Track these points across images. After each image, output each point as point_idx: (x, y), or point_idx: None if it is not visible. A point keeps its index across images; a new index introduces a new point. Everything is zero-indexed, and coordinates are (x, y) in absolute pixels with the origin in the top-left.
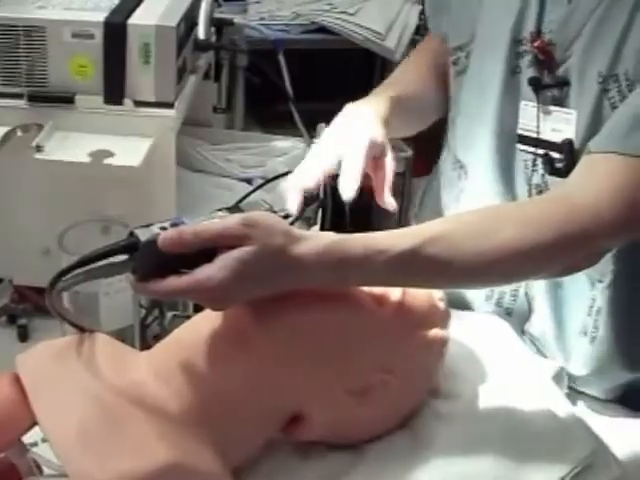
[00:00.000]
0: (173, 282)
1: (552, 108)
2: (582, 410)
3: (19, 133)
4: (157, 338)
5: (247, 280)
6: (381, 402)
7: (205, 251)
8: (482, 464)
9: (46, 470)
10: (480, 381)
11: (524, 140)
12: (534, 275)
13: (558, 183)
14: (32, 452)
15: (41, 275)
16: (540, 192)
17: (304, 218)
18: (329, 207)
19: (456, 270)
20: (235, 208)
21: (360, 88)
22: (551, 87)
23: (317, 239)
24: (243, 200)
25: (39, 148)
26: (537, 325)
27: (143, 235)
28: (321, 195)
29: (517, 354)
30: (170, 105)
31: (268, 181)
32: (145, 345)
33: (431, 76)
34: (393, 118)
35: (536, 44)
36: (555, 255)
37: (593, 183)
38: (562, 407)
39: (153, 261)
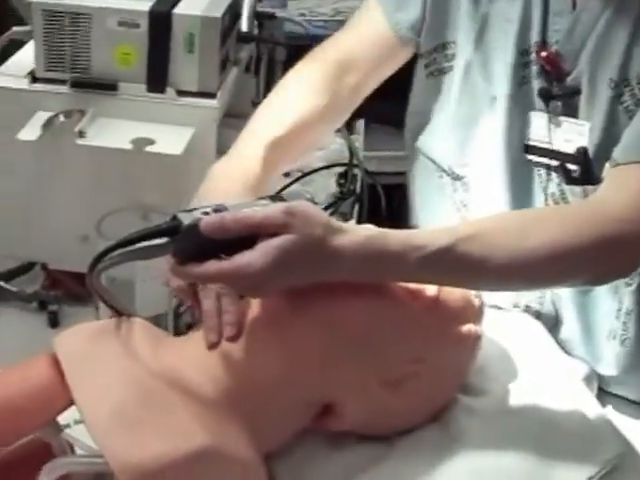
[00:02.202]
0: (212, 266)
1: (563, 119)
2: (611, 412)
3: (61, 119)
4: (190, 327)
5: (286, 268)
6: (413, 395)
7: (245, 238)
8: (510, 460)
9: (78, 451)
10: (511, 379)
11: (535, 151)
12: (566, 280)
13: (577, 192)
14: (65, 433)
15: (77, 261)
16: (557, 202)
17: (340, 213)
18: (365, 202)
19: (491, 269)
20: (277, 197)
21: (397, 84)
22: (561, 97)
23: (356, 232)
24: (283, 190)
25: (81, 134)
26: (565, 330)
27: (185, 219)
28: (357, 190)
29: (548, 353)
30: (212, 95)
31: (306, 174)
32: (178, 334)
33: (326, 91)
34: (270, 168)
35: (543, 55)
36: (589, 261)
37: (626, 193)
38: (591, 408)
39: (194, 245)
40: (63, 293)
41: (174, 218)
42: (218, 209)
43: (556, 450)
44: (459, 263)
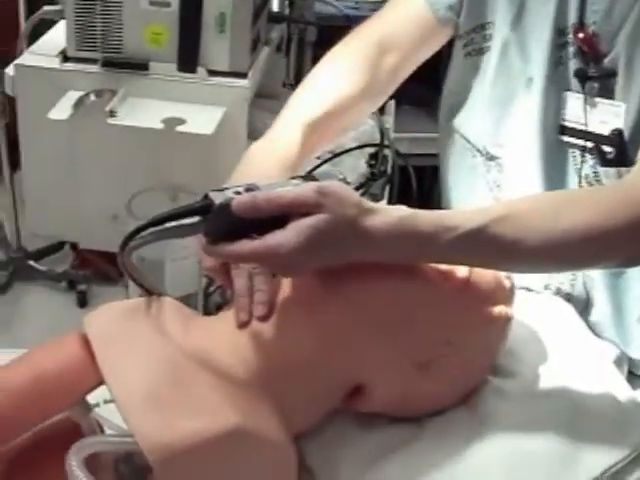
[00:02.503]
0: (245, 245)
1: (598, 100)
2: None
3: (92, 98)
4: (219, 307)
5: (318, 248)
6: (444, 376)
7: (277, 218)
8: (540, 443)
9: (107, 430)
10: (541, 361)
11: (570, 132)
12: (599, 262)
13: (611, 174)
14: (95, 413)
15: (107, 240)
16: (591, 184)
17: (371, 194)
18: (396, 183)
19: (523, 251)
20: (309, 177)
21: (428, 66)
22: (597, 79)
23: (388, 212)
24: (314, 170)
25: (112, 113)
26: (595, 312)
27: (217, 198)
28: (388, 171)
29: (578, 336)
30: (244, 75)
31: (337, 155)
32: (207, 314)
33: (366, 72)
34: (307, 150)
35: (580, 36)
36: (622, 242)
37: None
38: (622, 391)
39: (225, 224)
40: (92, 273)
41: (206, 197)
42: (250, 188)
43: (586, 433)
44: (491, 244)
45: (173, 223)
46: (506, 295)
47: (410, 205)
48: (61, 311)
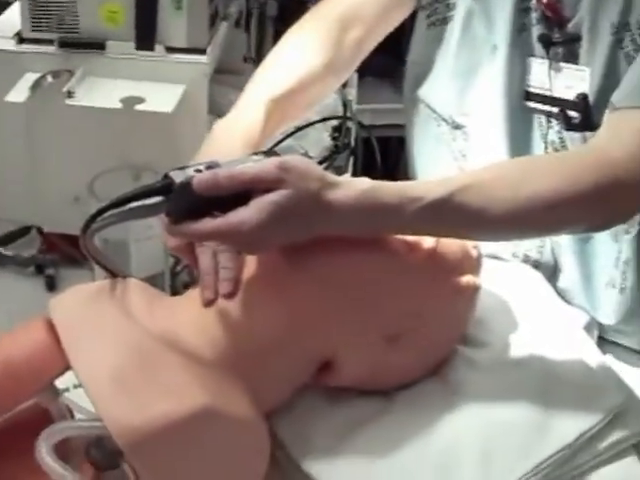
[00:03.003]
0: (207, 224)
1: (563, 65)
2: (611, 360)
3: (50, 79)
4: (187, 286)
5: (282, 224)
6: (412, 348)
7: (240, 195)
8: (513, 412)
9: (77, 415)
10: (511, 329)
11: (535, 98)
12: (565, 228)
13: (576, 139)
14: (64, 397)
15: (71, 223)
16: (557, 149)
17: (335, 167)
18: (360, 156)
19: (489, 219)
20: (271, 152)
21: (390, 37)
22: (562, 44)
23: (352, 185)
24: (277, 145)
25: (70, 94)
26: (564, 279)
27: (178, 177)
28: (352, 143)
29: (548, 303)
30: (202, 51)
31: (300, 128)
32: (175, 293)
33: (329, 46)
34: (271, 127)
35: (543, 1)
36: (588, 207)
37: (624, 139)
38: (593, 357)
39: (187, 203)
40: (60, 257)
41: (166, 177)
42: (211, 166)
43: (558, 400)
44: (456, 214)
45: (134, 204)
46: (473, 264)
47: (374, 177)
48: (30, 296)
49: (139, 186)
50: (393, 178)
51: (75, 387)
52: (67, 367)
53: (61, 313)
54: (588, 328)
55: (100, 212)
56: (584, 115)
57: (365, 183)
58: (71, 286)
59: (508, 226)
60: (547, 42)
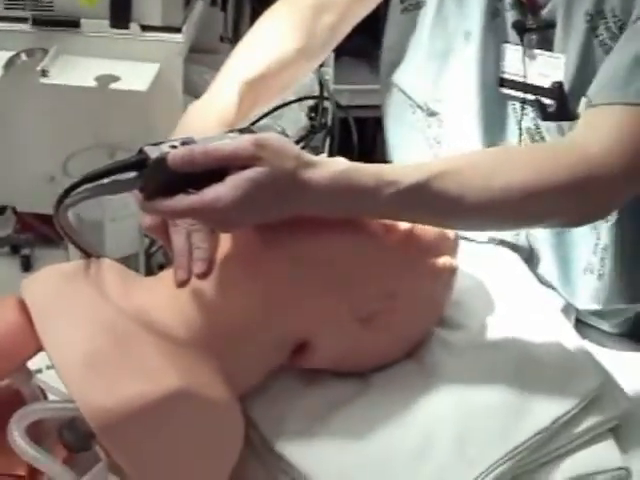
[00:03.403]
0: (181, 200)
1: (537, 52)
2: (588, 344)
3: (23, 57)
4: (162, 267)
5: (257, 201)
6: (388, 329)
7: (214, 172)
8: (489, 394)
9: (50, 396)
10: (488, 312)
11: (509, 84)
12: (538, 222)
13: (552, 127)
14: (37, 378)
15: (45, 202)
16: (532, 137)
17: (311, 147)
18: (337, 136)
19: (465, 207)
20: (247, 130)
21: (368, 17)
22: (536, 30)
23: (328, 165)
24: (253, 124)
25: (44, 73)
26: (541, 265)
27: (152, 152)
28: (329, 124)
29: (525, 285)
30: (177, 30)
31: (276, 108)
32: (150, 274)
33: (304, 30)
34: (245, 109)
35: None
36: (566, 200)
37: (601, 134)
38: (570, 340)
39: (162, 179)
40: (35, 236)
41: (140, 152)
42: (186, 142)
43: (536, 383)
44: (431, 200)
45: (108, 179)
46: (450, 246)
47: (351, 158)
48: (5, 276)
49: (113, 161)
50: (370, 159)
51: (48, 368)
52: (39, 348)
53: (33, 293)
54: (566, 311)
55: (74, 187)
56: (559, 103)
57: (342, 164)
58: (47, 266)
59: (482, 215)
60: (521, 28)
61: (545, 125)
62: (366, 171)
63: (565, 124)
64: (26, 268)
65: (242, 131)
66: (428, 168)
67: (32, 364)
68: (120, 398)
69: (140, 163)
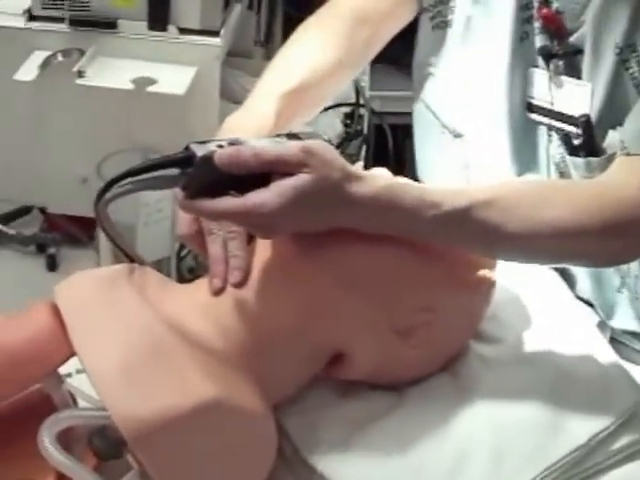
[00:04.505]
0: (225, 202)
1: (565, 79)
2: (623, 362)
3: (60, 58)
4: (192, 271)
5: (301, 210)
6: (425, 343)
7: (257, 177)
8: (525, 409)
9: (81, 402)
10: (524, 326)
11: (536, 110)
12: (577, 259)
13: (579, 164)
14: (67, 383)
15: (77, 204)
16: (558, 166)
17: (347, 154)
18: (372, 143)
19: (504, 238)
20: (294, 136)
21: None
22: (562, 56)
23: (372, 181)
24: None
25: (80, 73)
26: (577, 283)
27: (199, 150)
28: (365, 131)
29: (562, 300)
30: (216, 33)
31: None
32: (180, 277)
33: (340, 44)
34: (283, 122)
35: (544, 12)
36: (596, 242)
37: (636, 182)
38: (607, 357)
39: (206, 178)
40: (62, 236)
41: (187, 149)
42: (233, 143)
43: (571, 400)
44: (473, 227)
45: (151, 174)
46: (489, 260)
47: (386, 165)
48: (30, 275)
49: (159, 156)
50: (405, 166)
51: (78, 372)
52: (71, 354)
53: (67, 298)
54: (601, 328)
55: (115, 181)
56: (586, 137)
57: (385, 179)
58: (73, 266)
59: (521, 248)
60: (547, 54)
61: (572, 161)
62: (410, 189)
63: (594, 161)
64: (51, 268)
65: (289, 136)
66: (472, 195)
67: (62, 368)
68: (155, 407)
69: (186, 160)
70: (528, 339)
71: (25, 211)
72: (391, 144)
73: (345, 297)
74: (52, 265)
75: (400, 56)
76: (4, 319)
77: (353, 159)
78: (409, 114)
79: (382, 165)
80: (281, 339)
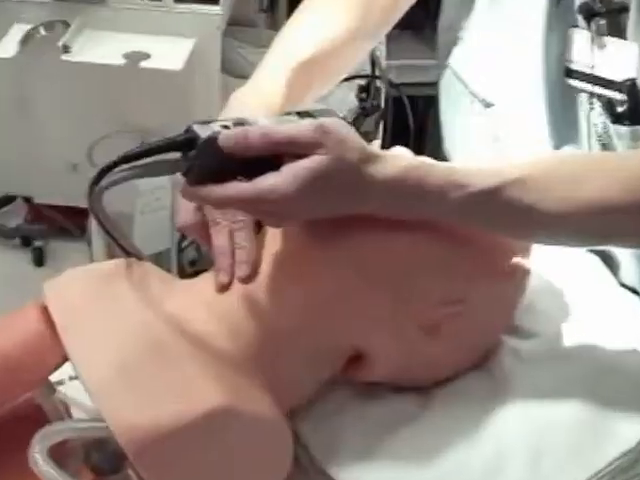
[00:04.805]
0: (232, 188)
1: (608, 39)
2: None
3: (42, 32)
4: (194, 264)
5: (316, 195)
6: (455, 338)
7: (266, 159)
8: (565, 411)
9: (74, 411)
10: (563, 317)
11: (575, 75)
12: (620, 239)
13: (624, 133)
14: (60, 392)
15: (66, 193)
16: (600, 136)
17: (363, 132)
18: (390, 119)
19: (539, 218)
20: (306, 113)
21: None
22: (605, 15)
23: (394, 162)
24: None
25: (66, 49)
26: (621, 269)
27: (203, 132)
28: (382, 106)
29: (604, 289)
30: (215, 1)
31: None
32: (181, 271)
33: (356, 10)
34: (297, 94)
35: None
36: None
37: None
38: None
39: (210, 163)
40: (49, 227)
41: (188, 130)
42: (239, 123)
43: (618, 400)
44: (505, 208)
45: (149, 159)
46: (523, 245)
47: (405, 141)
48: (16, 271)
49: (157, 139)
50: (423, 144)
51: (71, 379)
52: (64, 359)
53: (58, 298)
54: None
55: (110, 167)
56: (632, 104)
57: (406, 159)
58: (62, 260)
59: (558, 228)
60: (588, 12)
61: (615, 131)
62: (434, 171)
63: None
64: (38, 262)
65: (301, 114)
66: (503, 174)
67: (53, 375)
68: (157, 416)
69: (188, 143)
70: (567, 332)
71: (7, 200)
72: (411, 119)
73: (363, 290)
74: (39, 260)
75: (419, 21)
76: None
77: (370, 137)
78: (429, 84)
79: (402, 143)
80: (294, 339)
